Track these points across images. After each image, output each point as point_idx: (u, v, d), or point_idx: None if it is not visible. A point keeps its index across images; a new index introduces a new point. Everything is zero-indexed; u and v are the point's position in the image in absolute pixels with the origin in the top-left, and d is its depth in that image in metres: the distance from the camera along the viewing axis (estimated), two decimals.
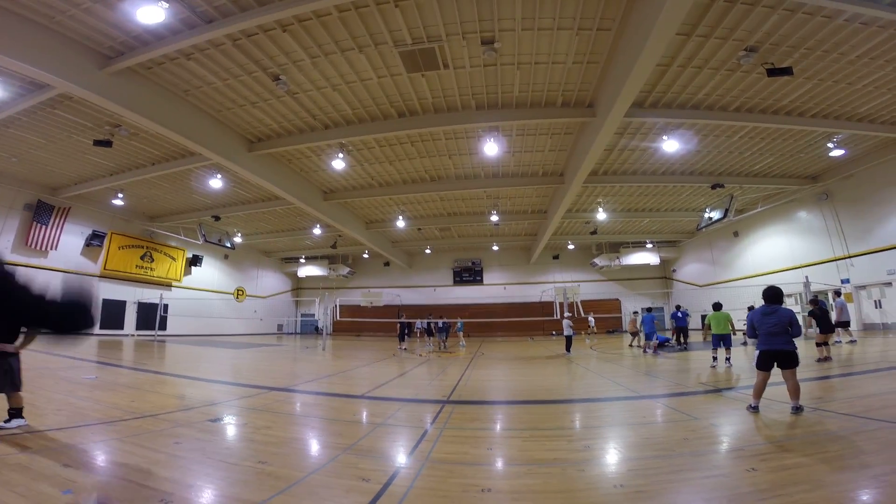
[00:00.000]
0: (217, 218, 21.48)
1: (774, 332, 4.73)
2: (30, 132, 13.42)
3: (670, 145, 13.40)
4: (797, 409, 4.58)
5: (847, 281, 17.43)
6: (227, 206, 20.97)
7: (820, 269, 18.17)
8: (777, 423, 4.37)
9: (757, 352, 4.89)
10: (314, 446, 4.00)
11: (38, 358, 10.07)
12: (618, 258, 29.20)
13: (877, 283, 16.56)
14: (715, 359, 9.30)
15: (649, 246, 28.87)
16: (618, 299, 31.37)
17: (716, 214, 18.21)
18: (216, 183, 16.55)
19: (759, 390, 4.83)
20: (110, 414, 5.01)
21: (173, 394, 6.49)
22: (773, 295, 4.94)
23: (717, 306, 9.99)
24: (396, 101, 11.90)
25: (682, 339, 13.56)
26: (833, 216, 17.93)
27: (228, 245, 23.53)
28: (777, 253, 21.19)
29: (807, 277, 16.65)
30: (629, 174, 17.22)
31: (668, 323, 26.44)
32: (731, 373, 8.18)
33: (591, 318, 25.33)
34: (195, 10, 8.25)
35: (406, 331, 18.65)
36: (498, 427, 4.69)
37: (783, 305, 4.92)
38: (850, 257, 17.32)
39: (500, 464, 3.49)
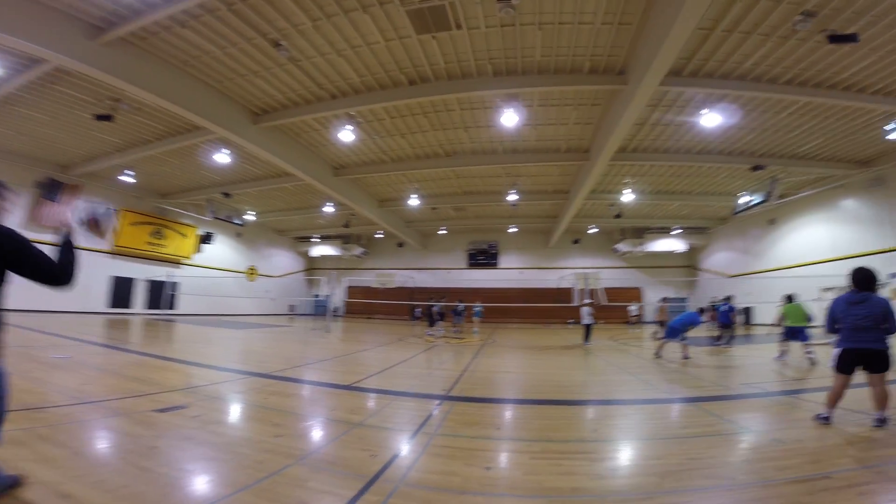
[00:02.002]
0: (227, 195, 21.03)
1: (864, 325, 3.71)
2: (33, 109, 13.27)
3: (710, 119, 11.89)
4: (881, 422, 3.63)
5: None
6: (237, 182, 20.45)
7: (865, 262, 16.41)
8: (861, 439, 3.40)
9: (838, 350, 3.86)
10: (258, 455, 3.15)
11: (22, 335, 9.64)
12: (642, 244, 27.68)
13: None
14: (783, 353, 8.76)
15: (676, 232, 27.25)
16: (639, 288, 29.92)
17: (756, 198, 16.61)
18: (223, 158, 16.00)
19: (836, 397, 3.84)
20: (48, 399, 4.33)
21: (138, 377, 5.78)
22: (863, 278, 3.88)
23: (790, 298, 9.49)
24: (406, 66, 10.89)
25: (728, 337, 12.08)
26: (886, 204, 16.13)
27: (238, 222, 23.05)
28: (817, 242, 19.43)
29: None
30: (661, 152, 15.76)
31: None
32: (789, 371, 7.10)
33: (632, 308, 23.98)
34: None
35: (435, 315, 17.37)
36: (501, 435, 3.78)
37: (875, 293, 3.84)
38: None
39: (498, 492, 2.59)
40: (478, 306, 19.87)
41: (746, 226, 24.21)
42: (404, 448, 3.30)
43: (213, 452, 3.11)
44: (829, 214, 18.87)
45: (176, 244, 24.08)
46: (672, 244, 27.60)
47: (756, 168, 15.61)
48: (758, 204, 16.72)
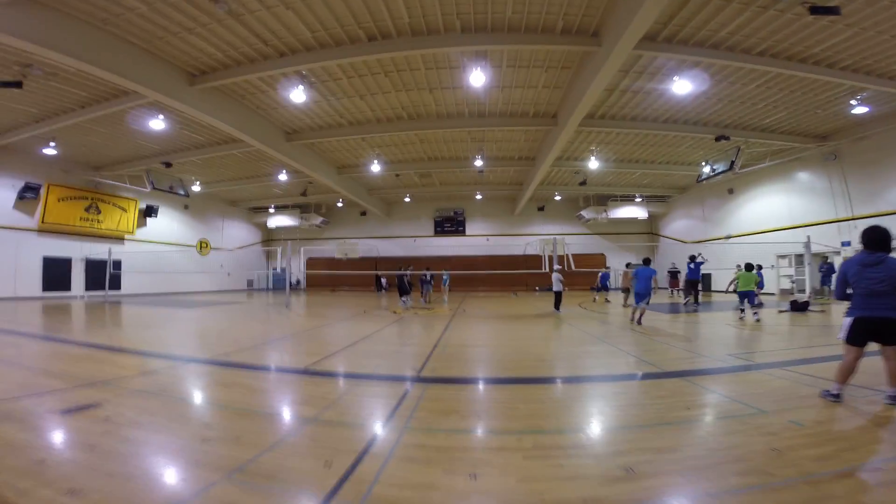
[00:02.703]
0: (169, 164, 19.28)
1: (880, 290, 3.30)
2: None
3: (681, 87, 11.68)
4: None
5: (848, 244, 16.40)
6: (179, 151, 18.67)
7: (819, 231, 16.96)
8: (885, 419, 3.08)
9: (849, 319, 3.48)
10: (176, 470, 2.45)
11: None
12: (605, 211, 27.85)
13: None
14: (742, 311, 9.99)
15: (638, 200, 27.57)
16: (603, 254, 30.37)
17: (720, 166, 16.73)
18: (157, 124, 14.50)
19: (847, 372, 3.48)
20: None
21: (52, 370, 4.87)
22: (877, 238, 3.45)
23: (749, 267, 10.60)
24: (365, 21, 9.77)
25: (694, 297, 12.41)
26: (840, 177, 16.61)
27: (182, 192, 21.21)
28: (774, 211, 20.03)
29: (808, 237, 15.54)
30: (629, 119, 15.41)
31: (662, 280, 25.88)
32: (764, 339, 6.98)
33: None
34: None
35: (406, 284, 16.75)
36: (484, 426, 3.23)
37: (892, 254, 3.45)
38: (854, 219, 16.15)
39: None
40: (445, 275, 19.33)
41: (705, 195, 24.70)
42: (368, 451, 2.67)
43: (117, 466, 2.39)
44: (786, 185, 19.38)
45: (115, 219, 21.97)
46: (634, 211, 27.93)
47: (720, 138, 15.63)
48: (721, 173, 16.93)
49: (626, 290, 15.50)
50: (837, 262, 15.73)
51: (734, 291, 10.56)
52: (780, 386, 4.10)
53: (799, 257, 18.78)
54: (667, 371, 4.91)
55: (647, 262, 10.03)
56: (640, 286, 9.27)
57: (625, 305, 14.48)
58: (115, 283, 20.87)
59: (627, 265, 16.97)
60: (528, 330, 9.08)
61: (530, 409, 3.53)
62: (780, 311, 11.79)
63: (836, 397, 3.47)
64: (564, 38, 10.15)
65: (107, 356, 5.85)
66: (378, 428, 3.09)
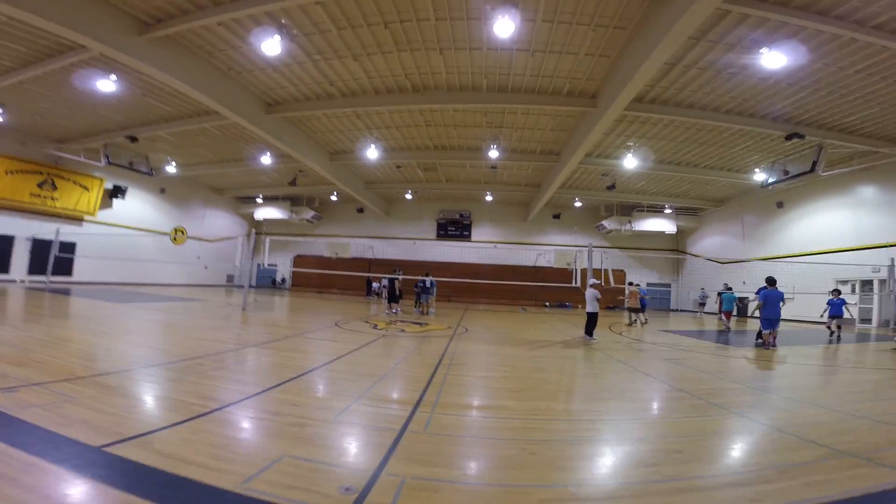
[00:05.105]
0: (134, 139, 16.84)
1: None
2: None
3: (771, 60, 8.96)
4: None
5: None
6: (145, 124, 16.18)
7: (889, 253, 13.86)
8: None
9: None
10: None
11: None
12: (630, 222, 24.72)
13: None
14: None
15: (668, 211, 24.48)
16: (623, 270, 27.25)
17: (793, 169, 13.88)
18: (108, 85, 12.33)
19: None
20: None
21: None
22: None
23: None
24: None
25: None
26: None
27: (146, 171, 18.60)
28: (836, 229, 16.95)
29: (893, 259, 12.59)
30: (684, 107, 12.48)
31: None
32: None
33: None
34: None
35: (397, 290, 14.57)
36: None
37: None
38: None
39: None
40: (429, 280, 15.74)
41: (745, 210, 21.78)
42: None
43: None
44: (851, 199, 16.39)
45: (74, 198, 19.25)
46: (662, 224, 24.79)
47: (792, 136, 12.69)
48: (796, 176, 14.07)
49: (632, 310, 14.28)
50: None
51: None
52: None
53: (866, 283, 15.77)
54: None
55: (771, 282, 8.73)
56: (771, 311, 8.44)
57: (628, 324, 13.50)
58: (66, 269, 18.20)
59: (630, 283, 14.80)
60: (571, 374, 6.07)
61: None
62: None
63: None
64: None
65: None
66: None
